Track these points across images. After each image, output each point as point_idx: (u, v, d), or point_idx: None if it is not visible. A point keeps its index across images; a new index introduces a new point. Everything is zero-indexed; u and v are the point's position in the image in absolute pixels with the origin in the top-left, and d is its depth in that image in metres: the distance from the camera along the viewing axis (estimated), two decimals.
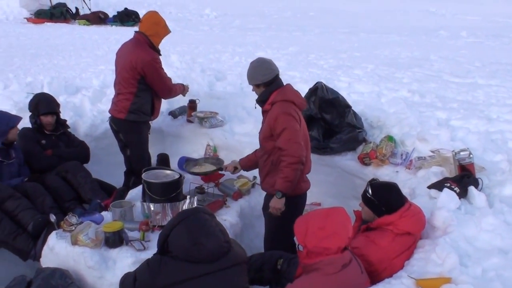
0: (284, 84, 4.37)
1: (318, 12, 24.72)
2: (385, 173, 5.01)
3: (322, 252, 3.05)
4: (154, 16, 5.45)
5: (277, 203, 4.19)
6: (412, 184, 4.62)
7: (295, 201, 4.35)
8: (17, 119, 5.20)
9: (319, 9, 25.71)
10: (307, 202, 4.70)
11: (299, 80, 8.28)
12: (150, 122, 5.79)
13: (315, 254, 3.07)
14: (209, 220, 3.06)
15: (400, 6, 27.61)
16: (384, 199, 3.64)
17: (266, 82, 4.26)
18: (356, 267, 3.18)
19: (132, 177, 5.59)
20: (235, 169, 4.98)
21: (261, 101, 4.36)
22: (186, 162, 5.29)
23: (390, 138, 5.32)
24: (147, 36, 5.34)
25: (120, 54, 5.53)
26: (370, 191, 3.69)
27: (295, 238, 3.25)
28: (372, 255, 3.45)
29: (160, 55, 5.49)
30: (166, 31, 5.47)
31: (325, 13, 24.27)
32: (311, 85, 6.07)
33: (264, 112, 4.38)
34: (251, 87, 4.43)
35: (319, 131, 5.58)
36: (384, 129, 5.62)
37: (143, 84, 5.37)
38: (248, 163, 4.88)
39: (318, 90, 5.64)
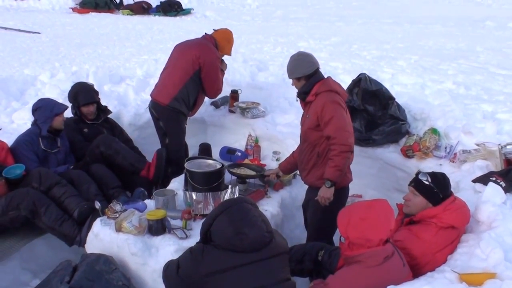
0: (325, 76, 4.35)
1: (361, 2, 24.38)
2: (428, 166, 4.91)
3: (364, 244, 3.04)
4: (229, 34, 5.86)
5: (327, 192, 4.17)
6: (456, 178, 4.53)
7: (339, 194, 4.33)
8: (63, 106, 5.25)
9: None
10: (349, 194, 4.68)
11: (341, 71, 8.23)
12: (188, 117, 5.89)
13: (356, 245, 3.07)
14: (252, 210, 3.07)
15: None
16: (442, 186, 3.61)
17: (308, 75, 4.25)
18: (398, 260, 3.16)
19: (169, 167, 5.65)
20: (277, 176, 5.00)
21: (303, 93, 4.33)
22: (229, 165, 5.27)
23: (434, 131, 5.23)
24: (217, 43, 5.66)
25: (183, 45, 5.75)
26: (429, 178, 3.63)
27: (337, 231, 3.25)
28: (414, 248, 3.42)
29: None
30: (229, 52, 5.85)
31: (369, 3, 23.93)
32: (353, 76, 6.02)
33: (307, 104, 4.35)
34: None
35: (361, 122, 5.52)
36: (428, 122, 5.52)
37: (196, 77, 5.53)
38: (287, 165, 4.89)
39: (361, 82, 5.58)
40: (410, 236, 3.49)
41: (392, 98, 5.59)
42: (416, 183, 3.67)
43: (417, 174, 3.76)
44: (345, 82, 5.85)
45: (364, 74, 5.73)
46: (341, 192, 4.40)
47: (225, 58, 5.94)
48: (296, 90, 4.43)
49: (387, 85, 5.97)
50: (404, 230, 3.58)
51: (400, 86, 7.19)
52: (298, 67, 4.28)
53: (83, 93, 5.55)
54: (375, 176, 5.58)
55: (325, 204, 4.22)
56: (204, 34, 5.84)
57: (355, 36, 13.81)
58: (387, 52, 11.14)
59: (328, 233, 4.48)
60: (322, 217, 4.36)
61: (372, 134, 5.46)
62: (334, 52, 11.06)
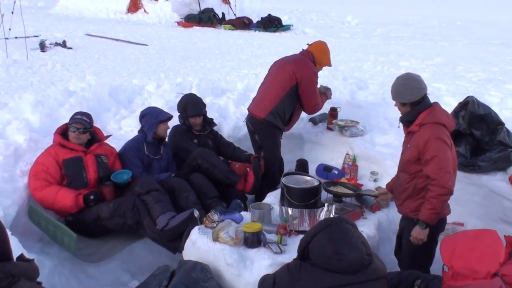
0: (431, 101, 4.09)
1: (466, 22, 23.52)
2: None
3: (470, 275, 2.89)
4: (323, 46, 5.90)
5: (421, 234, 4.01)
6: None
7: (437, 225, 4.14)
8: (167, 114, 5.46)
9: (468, 19, 24.45)
10: (449, 221, 4.49)
11: (445, 92, 7.97)
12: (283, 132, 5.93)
13: (461, 276, 2.92)
14: (351, 230, 3.02)
15: None
16: None
17: (413, 102, 4.03)
18: None
19: (264, 180, 5.69)
20: (375, 197, 4.93)
21: (407, 121, 4.14)
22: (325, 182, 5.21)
23: None
24: (314, 57, 5.70)
25: (281, 61, 5.85)
26: None
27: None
28: None
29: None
30: (329, 62, 5.87)
31: (474, 24, 23.04)
32: (458, 98, 5.82)
33: (409, 132, 4.14)
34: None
35: (466, 147, 5.28)
36: None
37: (293, 92, 5.58)
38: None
39: (468, 105, 5.34)
40: None
41: (501, 124, 5.31)
42: None
43: None
44: (449, 104, 5.65)
45: (472, 97, 5.48)
46: (439, 224, 4.20)
47: (325, 75, 5.93)
48: (397, 111, 4.28)
49: (495, 109, 5.68)
50: None
51: (509, 111, 6.83)
52: (404, 92, 4.05)
53: (192, 105, 5.74)
54: (479, 204, 5.30)
55: (418, 243, 4.07)
56: (301, 50, 5.88)
57: (459, 57, 13.34)
58: (495, 75, 10.66)
59: (424, 263, 4.28)
60: (417, 247, 4.19)
61: (477, 160, 5.20)
62: (437, 73, 10.74)
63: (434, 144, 3.85)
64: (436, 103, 4.10)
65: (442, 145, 3.87)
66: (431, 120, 3.93)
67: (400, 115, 4.24)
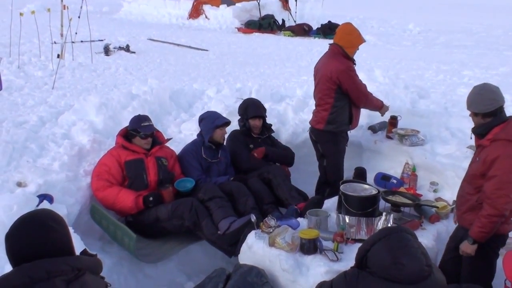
0: (508, 115, 3.87)
1: None
2: None
3: None
4: (347, 27, 5.55)
5: (468, 248, 3.90)
6: None
7: (495, 240, 3.98)
8: (224, 120, 5.52)
9: None
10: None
11: (511, 103, 7.71)
12: (348, 132, 5.83)
13: None
14: (411, 240, 2.97)
15: None
16: None
17: (486, 113, 3.84)
18: None
19: (327, 187, 5.66)
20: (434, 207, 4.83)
21: (479, 134, 3.98)
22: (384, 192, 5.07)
23: None
24: (341, 47, 5.42)
25: (317, 68, 5.70)
26: None
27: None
28: None
29: (355, 64, 5.54)
30: (360, 40, 5.49)
31: None
32: None
33: (479, 146, 3.97)
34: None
35: None
36: None
37: (340, 94, 5.44)
38: None
39: None
40: None
41: None
42: None
43: None
44: None
45: None
46: (500, 238, 4.04)
47: (385, 83, 5.82)
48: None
49: None
50: None
51: None
52: (476, 102, 3.87)
53: (253, 107, 5.84)
54: None
55: (469, 256, 3.95)
56: (328, 45, 5.64)
57: None
58: None
59: (484, 277, 4.11)
60: (477, 260, 4.05)
61: None
62: (502, 83, 10.31)
63: (502, 163, 3.68)
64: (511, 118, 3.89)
65: (510, 167, 3.69)
66: (505, 136, 3.74)
67: (472, 126, 4.06)
